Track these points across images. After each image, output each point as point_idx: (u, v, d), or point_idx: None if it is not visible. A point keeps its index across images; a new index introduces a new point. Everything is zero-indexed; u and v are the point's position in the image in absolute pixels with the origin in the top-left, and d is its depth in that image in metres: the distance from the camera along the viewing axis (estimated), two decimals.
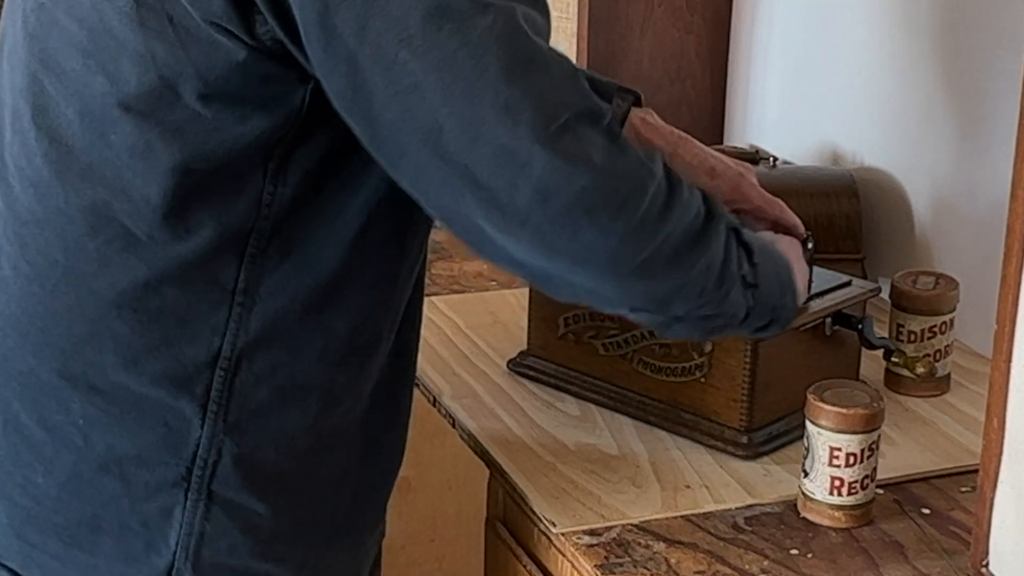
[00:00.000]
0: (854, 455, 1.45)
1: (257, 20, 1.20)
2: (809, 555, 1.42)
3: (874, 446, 1.46)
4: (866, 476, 1.46)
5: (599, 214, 1.21)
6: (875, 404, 1.46)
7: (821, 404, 1.45)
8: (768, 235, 1.49)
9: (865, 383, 1.56)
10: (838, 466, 1.45)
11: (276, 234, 1.28)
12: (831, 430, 1.45)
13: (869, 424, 1.45)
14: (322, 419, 1.35)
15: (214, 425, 1.30)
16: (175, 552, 1.32)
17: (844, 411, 1.44)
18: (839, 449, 1.44)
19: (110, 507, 1.32)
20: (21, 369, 1.33)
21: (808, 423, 1.46)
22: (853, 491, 1.46)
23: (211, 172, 1.26)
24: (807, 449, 1.47)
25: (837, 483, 1.45)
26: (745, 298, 1.35)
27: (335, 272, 1.30)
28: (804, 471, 1.48)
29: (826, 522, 1.47)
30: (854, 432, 1.44)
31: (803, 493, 1.48)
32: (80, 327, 1.30)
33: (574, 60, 2.17)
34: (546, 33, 1.25)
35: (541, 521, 1.49)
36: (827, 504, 1.46)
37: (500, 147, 1.19)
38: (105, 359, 1.29)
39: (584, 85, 1.24)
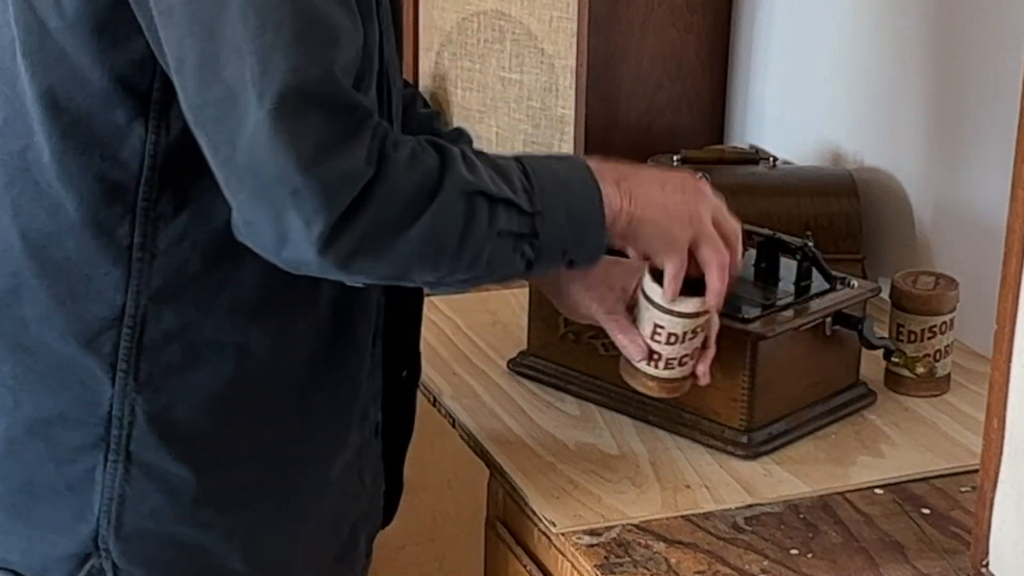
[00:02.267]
0: (675, 336, 1.46)
1: None
2: (809, 555, 1.42)
3: (697, 330, 1.47)
4: (685, 355, 1.48)
5: (301, 203, 1.18)
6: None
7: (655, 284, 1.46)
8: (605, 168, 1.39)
9: None
10: (659, 342, 1.46)
11: (166, 186, 1.29)
12: (660, 310, 1.46)
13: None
14: (241, 377, 1.33)
15: (124, 384, 1.31)
16: (98, 518, 1.32)
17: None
18: (662, 327, 1.45)
19: (40, 471, 1.33)
20: None
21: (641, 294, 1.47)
22: (670, 367, 1.48)
23: (86, 118, 1.27)
24: (635, 315, 1.48)
25: (655, 356, 1.48)
26: (518, 251, 1.31)
27: (231, 222, 1.28)
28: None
29: (639, 387, 1.50)
30: (680, 316, 1.45)
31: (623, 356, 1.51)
32: (4, 281, 1.32)
33: (573, 61, 2.17)
34: None
35: (541, 521, 1.49)
36: (641, 371, 1.49)
37: (226, 91, 1.17)
38: (25, 314, 1.31)
39: (333, 59, 1.19)
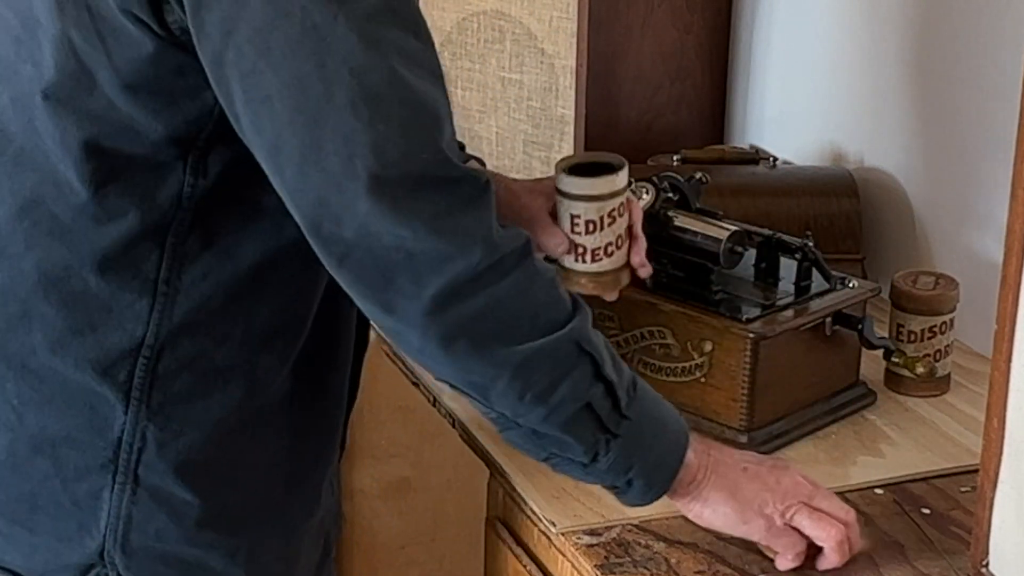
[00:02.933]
0: (593, 223, 1.47)
1: (166, 8, 1.21)
2: None
3: (614, 213, 1.47)
4: (609, 243, 1.48)
5: (415, 266, 1.20)
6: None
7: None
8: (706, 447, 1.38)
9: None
10: (579, 233, 1.47)
11: (196, 226, 1.30)
12: (572, 198, 1.47)
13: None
14: (246, 403, 1.35)
15: (137, 412, 1.32)
16: (104, 535, 1.34)
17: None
18: (578, 216, 1.46)
19: (44, 486, 1.34)
20: None
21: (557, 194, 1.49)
22: (596, 258, 1.48)
23: (129, 162, 1.27)
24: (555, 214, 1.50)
25: (580, 250, 1.48)
26: (596, 439, 1.30)
27: (255, 263, 1.31)
28: None
29: (576, 289, 1.48)
30: (592, 200, 1.46)
31: (558, 265, 1.50)
32: (12, 306, 1.32)
33: (574, 61, 2.17)
34: (433, 68, 1.22)
35: (541, 521, 1.49)
36: (575, 271, 1.49)
37: (331, 179, 1.19)
38: (35, 339, 1.32)
39: (439, 139, 1.21)
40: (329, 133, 1.18)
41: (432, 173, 1.20)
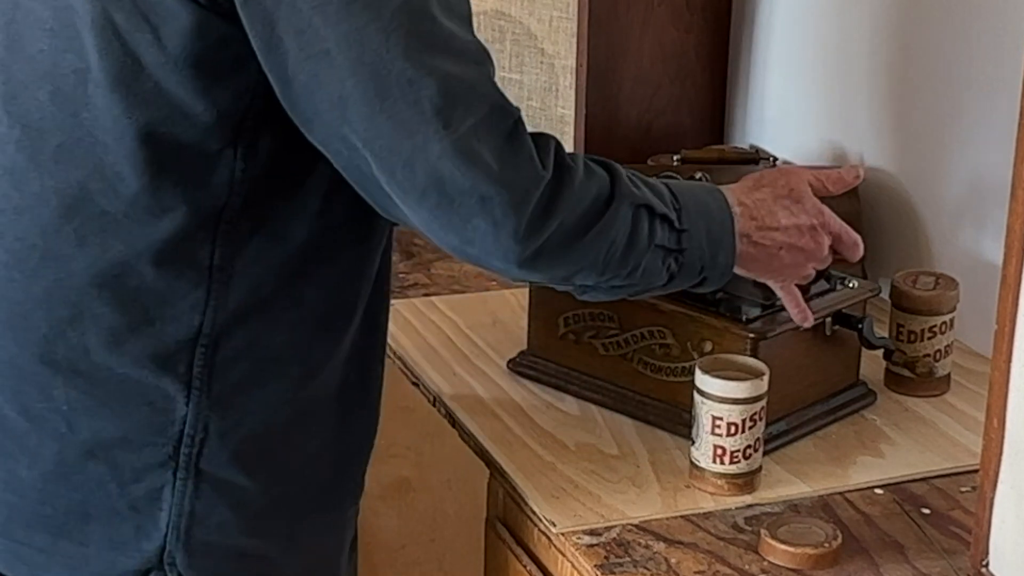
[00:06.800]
0: (735, 425, 1.47)
1: None
2: None
3: (756, 417, 1.48)
4: (748, 446, 1.49)
5: (490, 209, 1.25)
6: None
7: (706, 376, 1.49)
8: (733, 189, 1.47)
9: None
10: (720, 435, 1.48)
11: (246, 210, 1.30)
12: (715, 400, 1.48)
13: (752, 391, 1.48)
14: (301, 391, 1.36)
15: (199, 402, 1.32)
16: (166, 534, 1.33)
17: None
18: (720, 419, 1.47)
19: (98, 493, 1.33)
20: (2, 358, 1.33)
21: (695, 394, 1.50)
22: (735, 460, 1.49)
23: (181, 151, 1.27)
24: (694, 418, 1.50)
25: (719, 451, 1.48)
26: (666, 264, 1.38)
27: (304, 243, 1.33)
28: (692, 440, 1.52)
29: (709, 489, 1.50)
30: (736, 403, 1.48)
31: (691, 462, 1.52)
32: (61, 310, 1.31)
33: (573, 61, 2.17)
34: (465, 15, 1.28)
35: (541, 521, 1.49)
36: (709, 472, 1.50)
37: (400, 123, 1.22)
38: (88, 341, 1.31)
39: (491, 79, 1.27)
40: (393, 82, 1.21)
41: (494, 105, 1.26)
